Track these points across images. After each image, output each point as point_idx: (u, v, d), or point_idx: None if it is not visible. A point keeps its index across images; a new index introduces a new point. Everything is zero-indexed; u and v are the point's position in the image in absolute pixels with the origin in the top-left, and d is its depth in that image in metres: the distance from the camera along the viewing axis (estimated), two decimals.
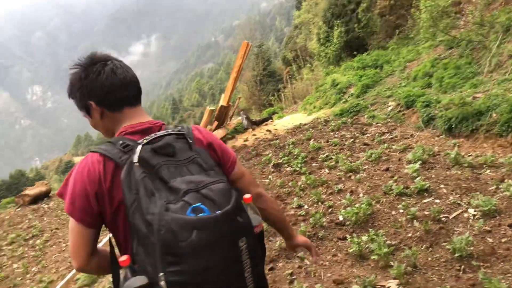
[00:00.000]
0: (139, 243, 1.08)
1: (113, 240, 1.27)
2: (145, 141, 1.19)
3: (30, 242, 7.42)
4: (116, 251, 1.25)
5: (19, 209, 10.02)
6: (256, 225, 1.19)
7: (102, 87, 1.26)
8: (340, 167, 5.58)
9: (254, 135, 9.12)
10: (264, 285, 1.27)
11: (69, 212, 1.19)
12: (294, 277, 3.15)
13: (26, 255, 6.81)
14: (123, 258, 1.08)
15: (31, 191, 10.59)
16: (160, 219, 1.00)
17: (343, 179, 5.18)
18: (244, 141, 8.89)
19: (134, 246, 1.11)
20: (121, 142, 1.21)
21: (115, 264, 1.16)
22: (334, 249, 3.46)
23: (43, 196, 10.54)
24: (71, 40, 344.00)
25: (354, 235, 3.54)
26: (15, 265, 6.45)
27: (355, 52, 15.04)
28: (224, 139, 9.32)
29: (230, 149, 1.45)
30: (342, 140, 7.00)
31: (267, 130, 9.22)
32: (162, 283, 0.99)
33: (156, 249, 1.00)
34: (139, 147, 1.16)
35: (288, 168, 6.28)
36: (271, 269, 3.36)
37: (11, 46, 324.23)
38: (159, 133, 1.24)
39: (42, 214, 9.13)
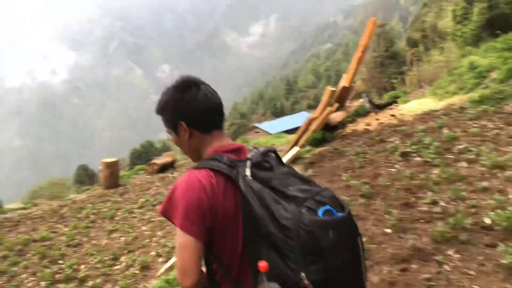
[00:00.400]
0: (271, 248, 1.12)
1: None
2: (252, 157, 1.27)
3: (157, 207, 8.10)
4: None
5: (149, 176, 11.07)
6: None
7: (197, 110, 1.35)
8: (482, 162, 4.86)
9: (377, 119, 8.53)
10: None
11: (184, 228, 1.22)
12: (432, 283, 2.79)
13: (153, 219, 7.45)
14: (263, 264, 1.12)
15: (158, 160, 11.59)
16: (298, 222, 1.08)
17: (487, 175, 4.49)
18: (366, 125, 8.38)
19: (263, 253, 1.14)
20: (226, 158, 1.30)
21: (213, 280, 1.32)
22: (481, 257, 2.97)
23: (169, 166, 11.46)
24: (196, 22, 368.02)
25: (507, 243, 3.00)
26: (143, 228, 7.11)
27: (498, 31, 13.10)
28: (344, 122, 8.93)
29: None
30: (484, 131, 6.11)
31: (392, 115, 8.54)
32: (306, 281, 1.05)
33: (295, 251, 1.07)
34: (249, 162, 1.25)
35: (418, 158, 5.69)
36: (403, 270, 3.03)
37: (146, 28, 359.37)
38: (261, 150, 1.32)
39: (168, 182, 9.93)
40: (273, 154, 1.35)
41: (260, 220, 1.14)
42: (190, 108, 1.35)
